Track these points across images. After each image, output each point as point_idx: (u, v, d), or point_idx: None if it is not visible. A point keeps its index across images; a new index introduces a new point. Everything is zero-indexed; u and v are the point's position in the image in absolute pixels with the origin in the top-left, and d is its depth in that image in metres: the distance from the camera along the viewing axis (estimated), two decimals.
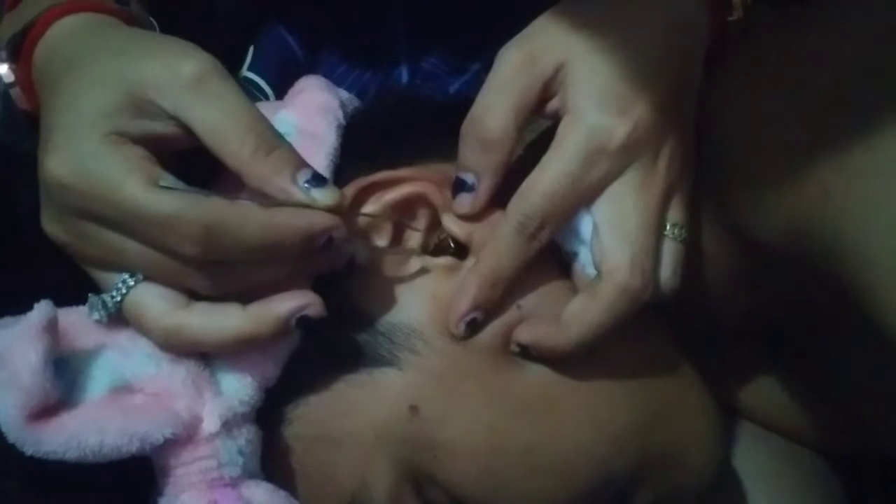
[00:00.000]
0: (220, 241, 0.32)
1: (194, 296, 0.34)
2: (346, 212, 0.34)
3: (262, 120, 0.34)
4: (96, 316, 0.34)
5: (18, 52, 0.38)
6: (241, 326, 0.33)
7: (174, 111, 0.33)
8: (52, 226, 0.34)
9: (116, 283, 0.34)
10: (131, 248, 0.33)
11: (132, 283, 0.34)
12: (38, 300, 0.33)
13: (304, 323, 0.34)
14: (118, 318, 0.35)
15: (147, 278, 0.34)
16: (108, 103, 0.33)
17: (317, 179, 0.33)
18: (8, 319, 0.34)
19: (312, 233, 0.33)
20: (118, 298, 0.34)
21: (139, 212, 0.31)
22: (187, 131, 0.33)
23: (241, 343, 0.34)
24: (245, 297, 0.34)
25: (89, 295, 0.35)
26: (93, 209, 0.32)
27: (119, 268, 0.34)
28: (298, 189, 0.33)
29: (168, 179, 0.32)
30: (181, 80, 0.33)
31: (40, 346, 0.31)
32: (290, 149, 0.34)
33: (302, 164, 0.34)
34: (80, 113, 0.33)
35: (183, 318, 0.33)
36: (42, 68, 0.37)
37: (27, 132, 0.39)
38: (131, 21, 0.40)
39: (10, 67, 0.38)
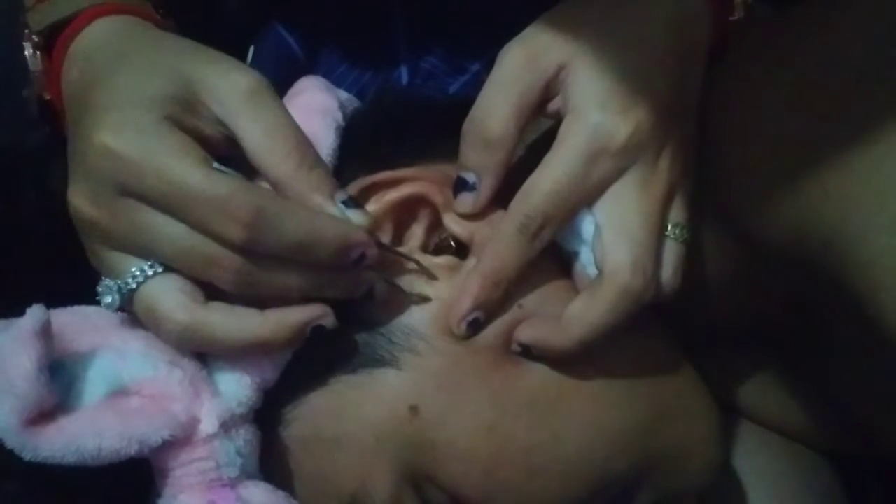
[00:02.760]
0: (266, 229, 0.32)
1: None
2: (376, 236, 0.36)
3: (307, 140, 0.35)
4: (108, 300, 0.34)
5: (53, 42, 0.38)
6: (258, 331, 0.33)
7: (224, 118, 0.34)
8: (83, 201, 0.34)
9: (133, 271, 0.34)
10: (168, 229, 0.33)
11: (150, 272, 0.33)
12: (36, 301, 0.32)
13: (318, 332, 0.34)
14: (112, 318, 0.35)
15: (167, 271, 0.33)
16: (166, 92, 0.33)
17: (352, 201, 0.35)
18: (2, 323, 0.34)
19: (350, 242, 0.34)
20: (133, 286, 0.34)
21: (194, 189, 0.32)
22: (230, 141, 0.34)
23: (255, 347, 0.34)
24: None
25: (103, 278, 0.35)
26: (142, 184, 0.32)
27: (146, 252, 0.34)
28: (335, 207, 0.34)
29: (219, 165, 0.33)
30: (237, 90, 0.34)
31: (34, 352, 0.31)
32: (329, 170, 0.36)
33: (339, 185, 0.35)
34: (137, 95, 0.33)
35: (202, 315, 0.33)
36: (85, 58, 0.37)
37: (32, 130, 0.39)
38: (170, 31, 0.40)
39: (39, 55, 0.39)
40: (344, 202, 0.34)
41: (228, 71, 0.34)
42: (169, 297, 0.33)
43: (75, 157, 0.34)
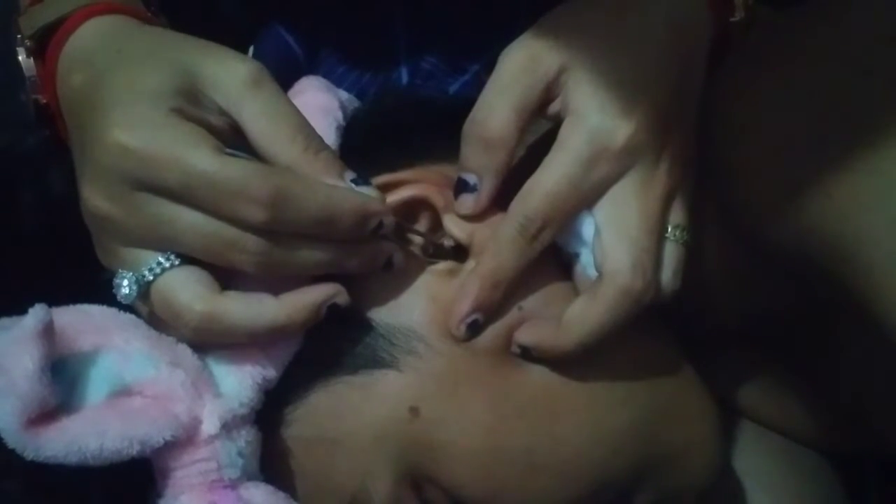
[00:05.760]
0: (287, 208, 0.32)
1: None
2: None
3: (309, 125, 0.35)
4: (125, 291, 0.34)
5: (45, 45, 0.38)
6: (276, 314, 0.34)
7: (227, 107, 0.34)
8: (99, 199, 0.34)
9: (151, 264, 0.34)
10: (187, 218, 0.33)
11: (167, 265, 0.34)
12: (38, 300, 0.32)
13: (333, 311, 0.35)
14: (114, 318, 0.35)
15: (184, 263, 0.34)
16: (169, 85, 0.34)
17: (360, 179, 0.35)
18: (5, 321, 0.34)
19: (367, 212, 0.34)
20: (150, 278, 0.34)
21: (212, 176, 0.32)
22: (234, 130, 0.34)
23: (274, 332, 0.34)
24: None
25: (118, 270, 0.35)
26: (159, 176, 0.32)
27: (164, 244, 0.34)
28: (346, 186, 0.34)
29: (231, 150, 0.33)
30: (238, 79, 0.34)
31: (36, 352, 0.31)
32: (334, 152, 0.36)
33: (345, 166, 0.36)
34: (142, 91, 0.33)
35: (220, 303, 0.33)
36: (81, 59, 0.37)
37: (28, 131, 0.39)
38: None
39: (32, 59, 0.39)
40: (353, 181, 0.35)
41: (227, 60, 0.34)
42: (186, 287, 0.33)
43: (84, 156, 0.34)
